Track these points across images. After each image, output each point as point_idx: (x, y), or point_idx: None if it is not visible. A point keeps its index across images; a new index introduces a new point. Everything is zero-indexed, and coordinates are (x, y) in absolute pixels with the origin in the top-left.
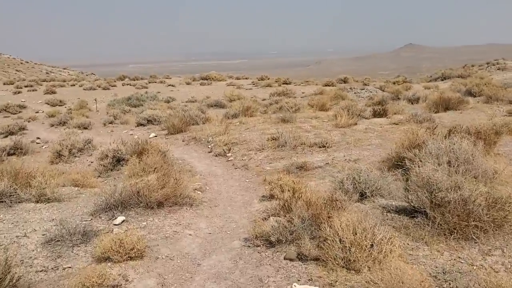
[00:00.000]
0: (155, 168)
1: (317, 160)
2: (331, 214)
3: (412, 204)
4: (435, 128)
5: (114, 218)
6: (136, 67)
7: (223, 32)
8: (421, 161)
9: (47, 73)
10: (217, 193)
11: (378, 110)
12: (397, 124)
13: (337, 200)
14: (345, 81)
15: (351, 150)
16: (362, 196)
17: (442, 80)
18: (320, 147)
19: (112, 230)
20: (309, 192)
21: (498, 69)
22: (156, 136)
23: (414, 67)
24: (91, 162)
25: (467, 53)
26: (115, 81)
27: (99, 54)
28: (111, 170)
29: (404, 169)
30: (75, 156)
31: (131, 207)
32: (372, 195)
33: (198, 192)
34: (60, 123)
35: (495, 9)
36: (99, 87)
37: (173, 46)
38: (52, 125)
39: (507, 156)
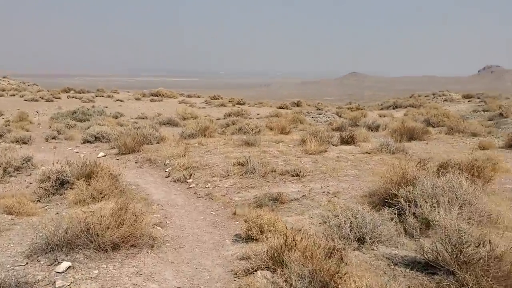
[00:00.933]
0: (104, 195)
1: (292, 192)
2: (338, 271)
3: (427, 258)
4: (425, 162)
5: (57, 263)
6: (82, 79)
7: (172, 50)
8: (416, 201)
9: None
10: (180, 229)
11: (346, 137)
12: (369, 153)
13: (338, 250)
14: (298, 104)
15: (327, 181)
16: (360, 243)
17: (394, 108)
18: (293, 175)
19: (54, 283)
20: (305, 239)
21: (445, 100)
22: (105, 156)
23: (357, 94)
24: (30, 183)
25: (406, 83)
26: (59, 93)
27: (43, 64)
28: (53, 194)
29: (396, 208)
30: (11, 176)
31: (79, 249)
32: (372, 242)
33: (158, 228)
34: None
35: (431, 44)
36: (42, 98)
37: (121, 61)
38: None
39: (502, 195)
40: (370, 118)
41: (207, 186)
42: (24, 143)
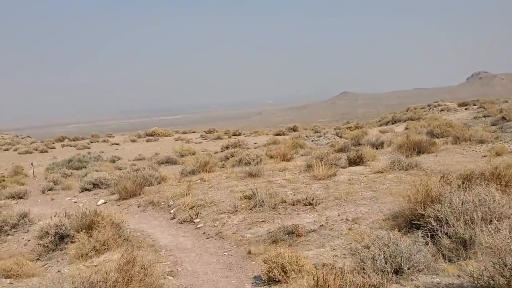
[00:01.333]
0: (108, 246)
1: (308, 222)
2: None
3: (478, 284)
4: (447, 176)
5: None
6: (75, 127)
7: (159, 89)
8: (447, 219)
9: None
10: (193, 275)
11: (354, 158)
12: (381, 172)
13: (376, 287)
14: (294, 129)
15: (344, 207)
16: (397, 274)
17: (393, 123)
18: (305, 204)
19: None
20: (338, 278)
21: (442, 110)
22: (105, 203)
23: (350, 113)
24: (28, 241)
25: (397, 98)
26: (53, 143)
27: (34, 116)
28: (53, 250)
29: (427, 230)
30: (8, 234)
31: None
32: (410, 272)
33: (170, 277)
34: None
35: (420, 57)
36: (36, 150)
37: (108, 105)
38: None
39: None
40: (372, 136)
41: (215, 225)
42: (20, 197)
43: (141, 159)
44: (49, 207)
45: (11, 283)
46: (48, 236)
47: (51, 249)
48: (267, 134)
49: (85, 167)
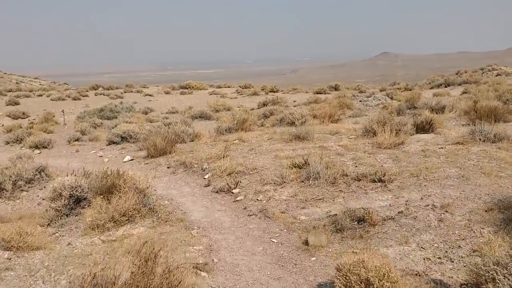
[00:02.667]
0: (129, 217)
1: (381, 206)
2: None
3: None
4: None
5: None
6: (112, 77)
7: (197, 42)
8: None
9: (17, 83)
10: (233, 272)
11: (423, 124)
12: (461, 143)
13: None
14: (336, 88)
15: (425, 188)
16: None
17: (446, 86)
18: (374, 181)
19: None
20: None
21: (498, 75)
22: (132, 160)
23: (389, 74)
24: (43, 199)
25: (439, 61)
26: (87, 91)
27: (72, 65)
28: (67, 215)
29: None
30: (22, 190)
31: None
32: None
33: (203, 273)
34: (17, 140)
35: (464, 19)
36: (69, 97)
37: (147, 57)
38: (8, 143)
39: None
40: (429, 98)
41: (259, 199)
42: (44, 147)
43: (174, 112)
44: (73, 159)
45: (9, 258)
46: (62, 199)
47: (64, 213)
48: (306, 92)
49: (116, 118)
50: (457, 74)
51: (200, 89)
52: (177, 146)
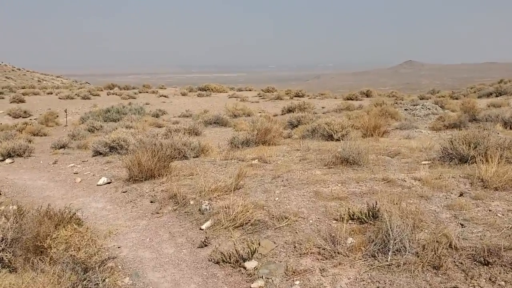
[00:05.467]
0: None
1: None
2: None
3: None
4: None
5: None
6: (135, 77)
7: (221, 45)
8: None
9: (39, 80)
10: None
11: None
12: None
13: None
14: (367, 94)
15: None
16: None
17: (497, 96)
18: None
19: None
20: None
21: None
22: (109, 183)
23: (413, 83)
24: None
25: (466, 70)
26: (102, 90)
27: (101, 65)
28: None
29: None
30: None
31: None
32: None
33: None
34: None
35: (493, 28)
36: (78, 96)
37: (172, 59)
38: None
39: None
40: (487, 109)
41: None
42: (19, 155)
43: (187, 116)
44: (44, 174)
45: None
46: None
47: None
48: (335, 98)
49: (119, 120)
50: (500, 83)
51: (220, 92)
52: (174, 164)
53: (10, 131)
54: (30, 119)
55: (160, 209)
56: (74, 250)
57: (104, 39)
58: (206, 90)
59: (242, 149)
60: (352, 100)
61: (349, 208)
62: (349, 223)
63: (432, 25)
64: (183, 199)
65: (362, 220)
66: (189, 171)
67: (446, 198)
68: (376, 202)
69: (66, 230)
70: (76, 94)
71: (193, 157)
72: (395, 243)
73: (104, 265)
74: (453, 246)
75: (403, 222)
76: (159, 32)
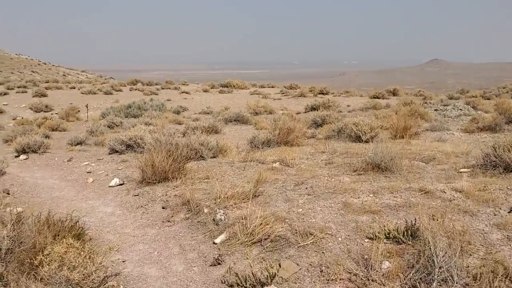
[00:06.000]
0: None
1: None
2: None
3: None
4: None
5: None
6: (159, 74)
7: (245, 42)
8: None
9: (64, 75)
10: None
11: None
12: None
13: None
14: (394, 93)
15: None
16: None
17: None
18: None
19: None
20: None
21: None
22: (122, 185)
23: (438, 82)
24: None
25: (495, 70)
26: (125, 85)
27: (128, 61)
28: None
29: None
30: None
31: None
32: None
33: None
34: (12, 139)
35: None
36: (101, 91)
37: (196, 56)
38: (6, 141)
39: None
40: None
41: None
42: (34, 151)
43: (208, 113)
44: (57, 172)
45: None
46: None
47: None
48: (361, 96)
49: (140, 116)
50: None
51: (241, 88)
52: (190, 165)
53: (30, 125)
54: (51, 114)
55: (172, 216)
56: (68, 269)
57: (132, 36)
58: (228, 87)
59: (263, 150)
60: (379, 98)
61: (384, 225)
62: (384, 243)
63: (459, 23)
64: (197, 206)
65: (399, 240)
66: (205, 173)
67: (495, 215)
68: (415, 220)
69: (60, 245)
70: (98, 89)
71: (211, 158)
72: (441, 272)
73: (105, 284)
74: (511, 278)
75: (449, 245)
76: (184, 29)
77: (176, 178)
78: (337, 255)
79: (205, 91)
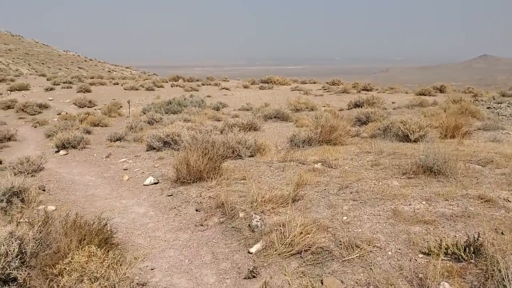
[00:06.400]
0: None
1: None
2: None
3: None
4: None
5: None
6: (201, 70)
7: (286, 37)
8: None
9: (109, 71)
10: None
11: None
12: None
13: None
14: (441, 90)
15: None
16: None
17: None
18: None
19: None
20: None
21: None
22: (156, 183)
23: (487, 79)
24: None
25: None
26: (166, 81)
27: (168, 57)
28: None
29: None
30: None
31: None
32: None
33: None
34: (53, 134)
35: None
36: (143, 87)
37: (237, 51)
38: (49, 136)
39: None
40: None
41: None
42: (73, 147)
43: (247, 109)
44: (95, 168)
45: None
46: None
47: None
48: (406, 93)
49: (179, 112)
50: None
51: (282, 84)
52: (227, 164)
53: (72, 121)
54: (95, 109)
55: (205, 220)
56: (89, 280)
57: (176, 34)
58: (268, 83)
59: (303, 149)
60: (425, 95)
61: (440, 239)
62: (441, 259)
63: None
64: (232, 210)
65: (459, 257)
66: (242, 173)
67: None
68: (478, 234)
69: (82, 253)
70: (140, 85)
71: (248, 157)
72: None
73: None
74: None
75: None
76: (224, 25)
77: (211, 178)
78: (387, 272)
79: (245, 87)
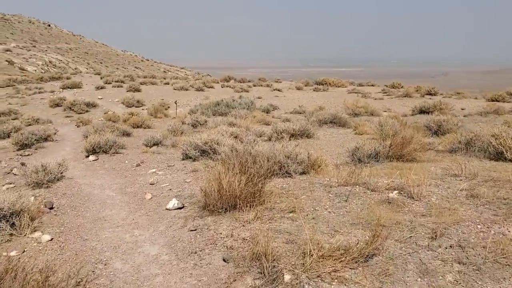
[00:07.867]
0: None
1: None
2: None
3: None
4: None
5: None
6: (255, 71)
7: (340, 38)
8: None
9: (164, 71)
10: None
11: None
12: None
13: None
14: None
15: None
16: None
17: None
18: None
19: None
20: None
21: None
22: (181, 208)
23: None
24: None
25: None
26: (217, 82)
27: (224, 57)
28: None
29: None
30: None
31: None
32: None
33: None
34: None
35: None
36: (192, 87)
37: (291, 53)
38: (86, 137)
39: None
40: None
41: None
42: (105, 151)
43: (300, 112)
44: (119, 180)
45: None
46: None
47: None
48: (475, 98)
49: (226, 115)
50: None
51: (338, 86)
52: (272, 185)
53: (114, 122)
54: (142, 109)
55: (234, 280)
56: None
57: (234, 36)
58: (323, 84)
59: (370, 165)
60: (498, 101)
61: None
62: None
63: None
64: (273, 268)
65: None
66: (291, 202)
67: None
68: None
69: None
70: (190, 86)
71: (300, 174)
72: None
73: None
74: None
75: None
76: (279, 27)
77: (250, 206)
78: None
79: (299, 88)
